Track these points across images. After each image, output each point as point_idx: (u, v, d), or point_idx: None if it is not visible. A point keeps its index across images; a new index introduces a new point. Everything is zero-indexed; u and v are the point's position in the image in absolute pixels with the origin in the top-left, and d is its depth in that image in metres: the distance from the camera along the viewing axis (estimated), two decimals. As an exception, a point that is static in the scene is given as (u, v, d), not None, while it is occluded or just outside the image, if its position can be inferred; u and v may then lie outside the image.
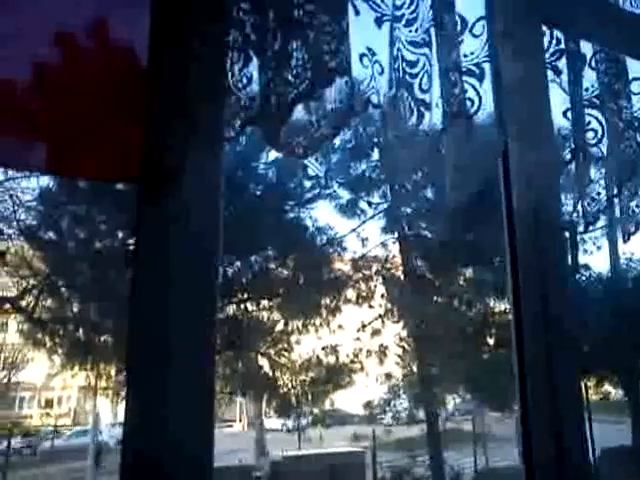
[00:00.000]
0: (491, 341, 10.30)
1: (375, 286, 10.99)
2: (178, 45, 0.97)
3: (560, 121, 1.41)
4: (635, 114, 1.43)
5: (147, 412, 0.89)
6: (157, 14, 0.98)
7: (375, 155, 8.77)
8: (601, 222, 1.63)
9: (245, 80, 0.97)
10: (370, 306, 10.99)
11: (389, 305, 10.98)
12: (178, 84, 0.95)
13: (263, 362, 10.90)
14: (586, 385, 9.68)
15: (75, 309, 9.42)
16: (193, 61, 0.95)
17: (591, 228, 1.56)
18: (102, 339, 9.36)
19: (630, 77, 1.44)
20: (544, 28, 1.36)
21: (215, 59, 0.97)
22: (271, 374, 10.87)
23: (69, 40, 0.97)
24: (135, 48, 1.01)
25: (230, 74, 0.97)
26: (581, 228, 1.54)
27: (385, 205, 10.40)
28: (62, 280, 9.04)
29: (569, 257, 1.40)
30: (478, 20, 1.26)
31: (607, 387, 11.16)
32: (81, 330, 9.30)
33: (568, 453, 1.24)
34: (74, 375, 11.05)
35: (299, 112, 1.00)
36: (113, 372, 10.16)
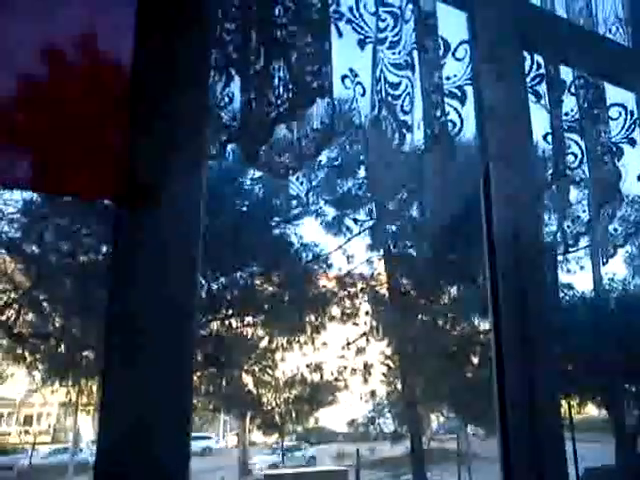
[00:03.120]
0: (475, 360, 10.31)
1: (360, 303, 10.99)
2: (161, 64, 0.97)
3: (541, 144, 1.43)
4: (613, 139, 1.45)
5: (121, 431, 0.88)
6: (141, 33, 0.99)
7: (361, 173, 8.81)
8: (584, 242, 1.64)
9: (227, 99, 0.97)
10: (355, 324, 10.97)
11: (374, 323, 10.97)
12: (160, 102, 0.95)
13: (247, 379, 10.82)
14: (569, 404, 9.72)
15: (57, 324, 9.30)
16: (175, 80, 0.95)
17: (572, 249, 1.58)
18: (84, 354, 9.24)
19: (608, 103, 1.47)
20: (525, 53, 1.38)
21: (197, 78, 0.97)
22: (255, 391, 10.79)
23: (53, 59, 0.97)
24: (118, 68, 1.01)
25: (212, 93, 0.97)
26: (562, 249, 1.55)
27: (371, 223, 10.44)
28: (44, 294, 8.93)
29: (549, 278, 1.41)
30: (461, 44, 1.27)
31: (591, 406, 11.19)
32: (62, 345, 9.17)
33: (548, 474, 1.24)
34: (54, 391, 10.88)
35: (281, 132, 1.00)
36: (95, 388, 10.01)
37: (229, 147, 1.02)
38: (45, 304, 9.06)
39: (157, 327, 0.93)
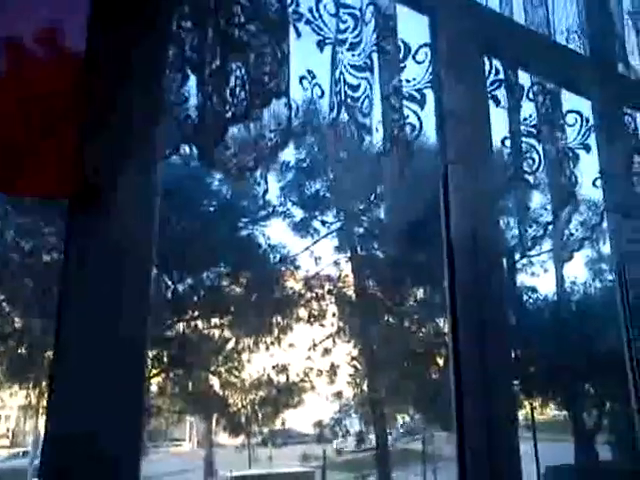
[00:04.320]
0: (441, 361, 10.41)
1: (327, 305, 11.00)
2: (114, 61, 0.95)
3: (500, 148, 1.44)
4: (569, 145, 1.48)
5: (70, 431, 0.86)
6: (94, 28, 0.96)
7: (330, 174, 8.82)
8: (547, 246, 1.67)
9: (182, 98, 0.95)
10: (321, 325, 10.98)
11: (340, 324, 10.99)
12: (112, 100, 0.93)
13: (213, 380, 10.73)
14: (531, 405, 9.90)
15: (17, 324, 9.08)
16: (129, 77, 0.94)
17: (532, 253, 1.60)
18: (45, 355, 9.03)
19: (565, 109, 1.50)
20: (485, 58, 1.40)
21: (153, 76, 0.96)
22: (221, 393, 10.71)
23: (6, 51, 0.94)
24: (70, 63, 0.98)
25: (168, 91, 0.96)
26: (521, 253, 1.57)
27: (338, 224, 10.47)
28: (3, 294, 8.71)
29: (509, 280, 1.43)
30: (421, 47, 1.28)
31: (552, 408, 11.41)
32: (23, 346, 8.96)
33: (503, 474, 1.25)
34: (13, 394, 10.61)
35: (237, 132, 0.99)
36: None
37: (186, 147, 1.01)
38: (4, 304, 8.84)
39: (109, 327, 0.91)
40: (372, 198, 1.28)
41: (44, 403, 10.29)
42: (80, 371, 0.88)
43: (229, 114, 0.92)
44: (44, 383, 9.65)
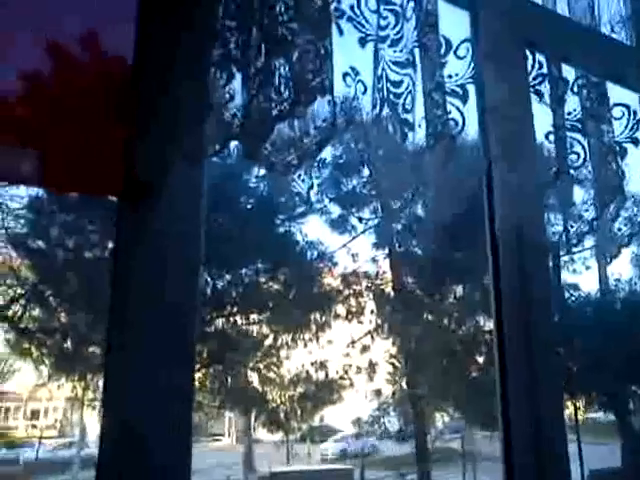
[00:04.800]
0: (480, 360, 10.29)
1: (365, 302, 10.98)
2: (162, 61, 0.97)
3: (544, 143, 1.42)
4: (616, 138, 1.45)
5: (123, 428, 0.89)
6: (143, 30, 0.99)
7: (366, 171, 8.81)
8: (590, 242, 1.64)
9: (228, 96, 0.97)
10: (359, 322, 10.96)
11: (379, 321, 10.96)
12: (161, 99, 0.95)
13: (252, 376, 10.83)
14: (575, 406, 9.68)
15: (63, 319, 9.34)
16: (176, 77, 0.96)
17: (576, 249, 1.58)
18: (90, 350, 9.27)
19: (611, 103, 1.46)
20: (527, 52, 1.38)
21: (198, 74, 0.98)
22: (260, 388, 10.80)
23: (54, 53, 0.97)
24: (120, 65, 1.01)
25: (213, 90, 0.98)
26: (565, 249, 1.55)
27: (376, 221, 10.44)
28: (50, 290, 8.97)
29: (553, 278, 1.41)
30: (462, 42, 1.27)
31: (597, 409, 11.13)
32: (69, 341, 9.21)
33: (550, 474, 1.24)
34: (61, 386, 10.93)
35: (282, 129, 1.00)
36: (101, 383, 10.04)
37: (231, 145, 1.02)
38: (51, 299, 9.10)
39: (158, 324, 0.94)
40: (413, 194, 1.28)
41: (90, 395, 10.58)
42: (131, 367, 0.90)
43: (274, 112, 0.93)
44: (89, 376, 9.92)
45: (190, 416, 0.97)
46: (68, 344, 9.23)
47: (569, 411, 9.39)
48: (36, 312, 9.31)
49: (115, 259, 0.95)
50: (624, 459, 9.17)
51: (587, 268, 10.19)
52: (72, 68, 0.99)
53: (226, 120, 0.97)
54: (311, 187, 1.01)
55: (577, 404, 9.79)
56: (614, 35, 1.57)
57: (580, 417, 9.98)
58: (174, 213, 0.95)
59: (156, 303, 0.94)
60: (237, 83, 0.98)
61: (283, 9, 1.02)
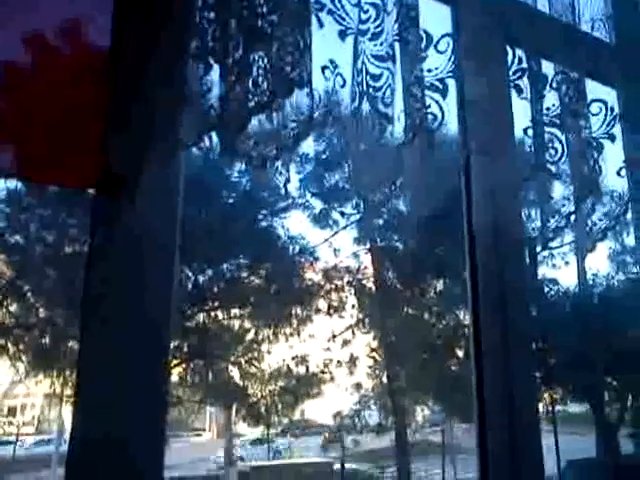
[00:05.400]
0: (460, 353, 10.37)
1: (346, 296, 11.01)
2: (139, 52, 0.96)
3: (522, 138, 1.43)
4: (593, 134, 1.46)
5: (95, 422, 0.88)
6: (120, 22, 0.97)
7: (351, 165, 8.80)
8: (569, 238, 1.65)
9: (205, 88, 0.96)
10: (341, 316, 11.00)
11: (360, 316, 11.00)
12: (136, 90, 0.94)
13: (233, 371, 10.82)
14: (552, 397, 9.82)
15: (41, 315, 9.22)
16: (152, 69, 0.94)
17: (555, 244, 1.59)
18: (69, 345, 9.17)
19: (589, 98, 1.48)
20: (507, 47, 1.39)
21: (175, 66, 0.97)
22: (241, 383, 10.79)
23: (33, 43, 0.96)
24: (97, 56, 0.99)
25: (190, 82, 0.96)
26: (542, 244, 1.56)
27: (358, 216, 10.46)
28: (27, 285, 8.85)
29: (530, 271, 1.42)
30: (443, 36, 1.27)
31: (573, 400, 11.30)
32: (47, 336, 9.10)
33: (524, 467, 1.25)
34: (38, 382, 10.79)
35: (260, 122, 1.00)
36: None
37: (212, 139, 1.01)
38: (29, 295, 8.98)
39: (132, 318, 0.93)
40: (393, 189, 1.28)
41: (68, 392, 10.47)
42: (104, 361, 0.90)
43: (252, 104, 0.93)
44: (68, 372, 9.81)
45: (165, 411, 0.96)
46: (46, 340, 9.12)
47: (545, 403, 9.53)
48: (13, 308, 9.19)
49: (90, 252, 0.94)
50: (598, 450, 9.34)
51: (566, 263, 10.31)
52: (48, 59, 0.97)
53: (203, 111, 0.96)
54: (288, 180, 1.00)
55: (554, 396, 9.94)
56: (595, 33, 1.58)
57: (557, 408, 10.13)
58: (150, 206, 0.94)
59: (131, 297, 0.93)
60: (215, 74, 0.97)
61: (262, 1, 1.01)
